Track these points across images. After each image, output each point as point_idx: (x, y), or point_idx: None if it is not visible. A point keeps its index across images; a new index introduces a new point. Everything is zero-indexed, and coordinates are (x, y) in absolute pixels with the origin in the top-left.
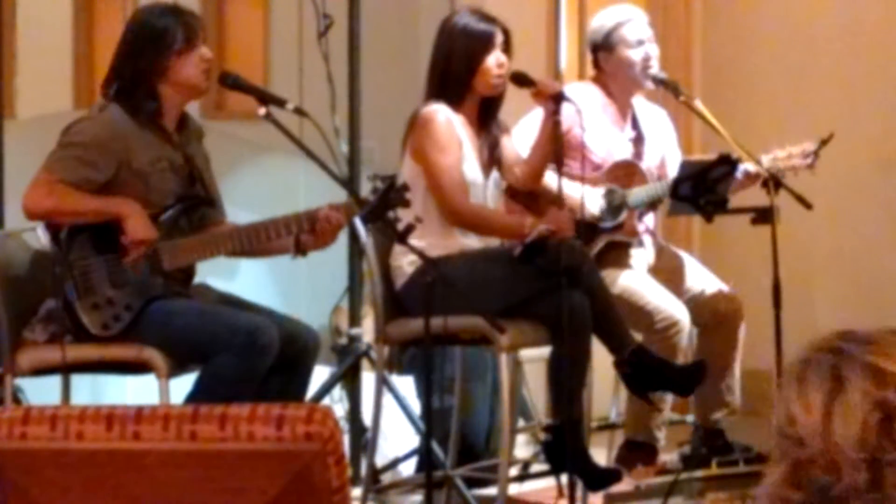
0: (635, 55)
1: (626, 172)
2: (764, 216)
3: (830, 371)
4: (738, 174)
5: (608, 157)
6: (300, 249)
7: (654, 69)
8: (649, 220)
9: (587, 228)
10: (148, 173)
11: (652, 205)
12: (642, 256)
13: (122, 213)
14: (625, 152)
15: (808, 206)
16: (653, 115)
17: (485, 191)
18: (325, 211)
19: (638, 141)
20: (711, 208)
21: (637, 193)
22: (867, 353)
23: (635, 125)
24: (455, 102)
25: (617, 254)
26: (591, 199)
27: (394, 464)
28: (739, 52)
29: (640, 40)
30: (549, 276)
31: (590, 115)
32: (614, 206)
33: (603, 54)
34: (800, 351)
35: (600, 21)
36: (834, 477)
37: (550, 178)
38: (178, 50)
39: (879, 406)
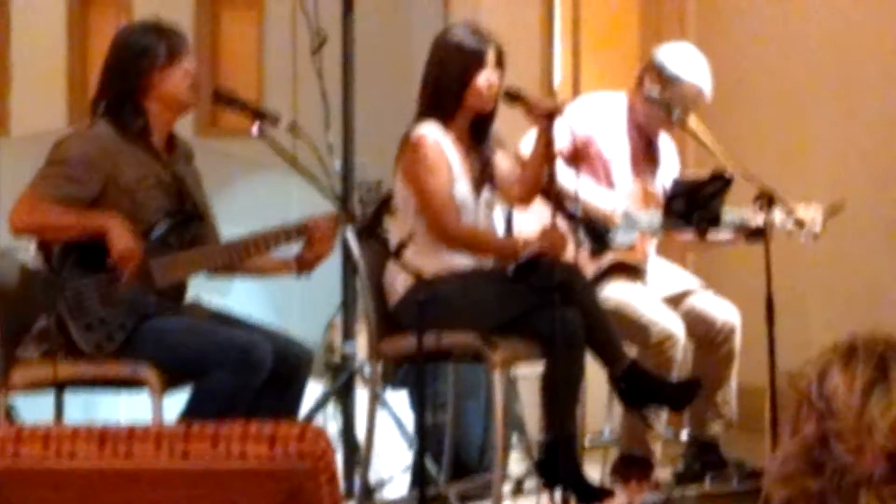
0: (676, 116)
1: (645, 196)
2: (757, 233)
3: (878, 358)
4: (731, 229)
5: (621, 174)
6: (302, 268)
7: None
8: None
9: (598, 241)
10: (135, 190)
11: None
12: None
13: (104, 227)
14: (642, 174)
15: (800, 223)
16: (665, 142)
17: (476, 210)
18: (315, 219)
19: (653, 165)
20: (704, 225)
21: (652, 218)
22: None
23: (652, 150)
24: (446, 118)
25: (626, 275)
26: (610, 201)
27: (387, 480)
28: (732, 66)
29: (686, 103)
30: (542, 293)
31: (612, 125)
32: (628, 226)
33: (653, 76)
34: (847, 337)
35: (684, 59)
36: (855, 459)
37: (566, 182)
38: (162, 66)
39: None
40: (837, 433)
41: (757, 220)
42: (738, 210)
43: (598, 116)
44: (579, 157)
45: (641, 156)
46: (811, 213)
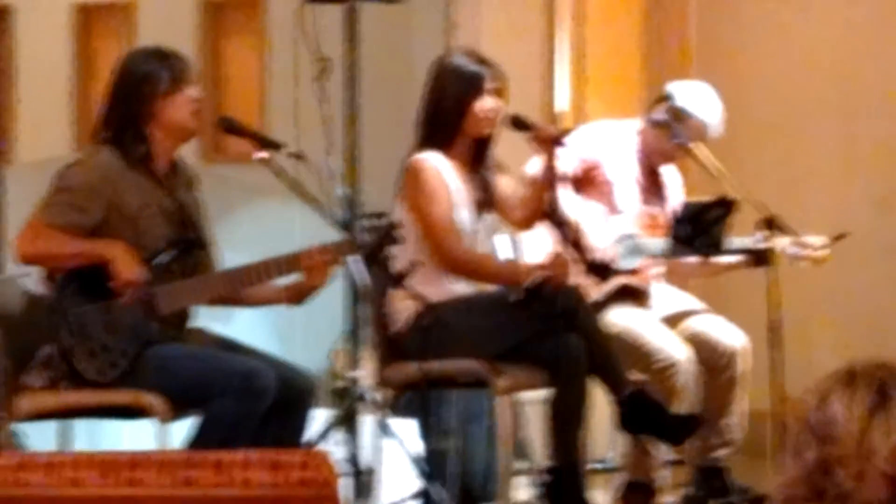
0: (678, 139)
1: (651, 223)
2: (761, 258)
3: (879, 385)
4: (735, 253)
5: (627, 199)
6: (292, 298)
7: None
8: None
9: (601, 267)
10: (137, 217)
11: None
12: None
13: (107, 255)
14: (648, 201)
15: (804, 246)
16: (670, 173)
17: (475, 236)
18: (308, 251)
19: (659, 194)
20: (708, 250)
21: (656, 243)
22: None
23: (658, 179)
24: (445, 144)
25: (631, 299)
26: (604, 239)
27: None
28: (733, 94)
29: (693, 139)
30: (545, 319)
31: (620, 150)
32: (633, 251)
33: (664, 107)
34: (846, 364)
35: (697, 95)
36: (857, 484)
37: (571, 211)
38: (165, 92)
39: None
40: (838, 459)
41: (761, 243)
42: (741, 239)
43: (606, 142)
44: (585, 181)
45: (647, 184)
46: (814, 240)
